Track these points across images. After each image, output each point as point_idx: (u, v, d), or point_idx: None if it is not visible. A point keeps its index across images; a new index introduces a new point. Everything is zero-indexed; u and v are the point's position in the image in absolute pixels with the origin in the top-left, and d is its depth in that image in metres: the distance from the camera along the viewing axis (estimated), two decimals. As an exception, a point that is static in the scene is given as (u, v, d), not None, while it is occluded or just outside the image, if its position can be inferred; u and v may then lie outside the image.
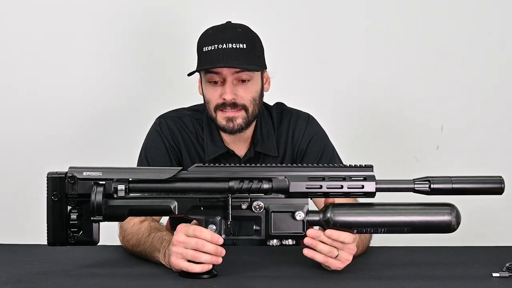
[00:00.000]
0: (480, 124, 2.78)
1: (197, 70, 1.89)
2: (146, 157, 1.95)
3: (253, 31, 1.93)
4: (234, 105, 1.86)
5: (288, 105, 2.07)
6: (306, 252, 1.52)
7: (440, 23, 2.76)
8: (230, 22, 1.93)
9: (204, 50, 1.87)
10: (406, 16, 2.76)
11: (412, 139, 2.80)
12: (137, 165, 1.95)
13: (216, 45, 1.84)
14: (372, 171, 1.51)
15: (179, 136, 1.96)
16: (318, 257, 1.51)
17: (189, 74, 1.90)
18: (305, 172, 1.51)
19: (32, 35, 2.68)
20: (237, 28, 1.89)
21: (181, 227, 1.52)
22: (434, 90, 2.77)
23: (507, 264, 1.56)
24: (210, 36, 1.88)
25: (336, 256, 1.51)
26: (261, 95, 1.93)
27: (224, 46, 1.83)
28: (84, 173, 1.49)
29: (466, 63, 2.77)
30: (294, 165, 1.53)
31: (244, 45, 1.85)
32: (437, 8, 2.76)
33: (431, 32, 2.76)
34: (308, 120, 2.02)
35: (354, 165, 1.52)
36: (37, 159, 2.67)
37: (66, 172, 1.50)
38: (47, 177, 1.51)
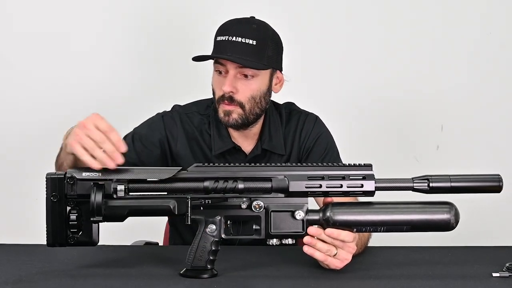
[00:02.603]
0: (480, 124, 2.79)
1: (202, 57, 1.87)
2: (133, 139, 1.93)
3: (270, 30, 1.90)
4: (230, 99, 1.85)
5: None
6: (306, 249, 1.51)
7: (440, 23, 2.76)
8: (254, 17, 1.92)
9: (217, 39, 1.88)
10: (405, 17, 2.76)
11: (412, 139, 2.80)
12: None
13: (226, 37, 1.84)
14: (371, 170, 1.51)
15: (180, 131, 1.95)
16: (318, 255, 1.51)
17: (194, 59, 1.87)
18: (305, 171, 1.51)
19: (32, 35, 2.68)
20: (253, 23, 1.88)
21: (96, 117, 1.48)
22: (434, 90, 2.77)
23: (507, 264, 1.56)
24: (225, 26, 1.89)
25: (335, 255, 1.51)
26: (266, 94, 1.91)
27: (234, 39, 1.83)
28: (84, 174, 1.49)
29: (466, 63, 2.77)
30: (294, 164, 1.53)
31: (254, 41, 1.84)
32: (437, 8, 2.76)
33: (431, 32, 2.76)
34: (315, 120, 2.03)
35: (353, 164, 1.52)
36: (37, 159, 2.66)
37: (66, 173, 1.50)
38: (46, 177, 1.50)
